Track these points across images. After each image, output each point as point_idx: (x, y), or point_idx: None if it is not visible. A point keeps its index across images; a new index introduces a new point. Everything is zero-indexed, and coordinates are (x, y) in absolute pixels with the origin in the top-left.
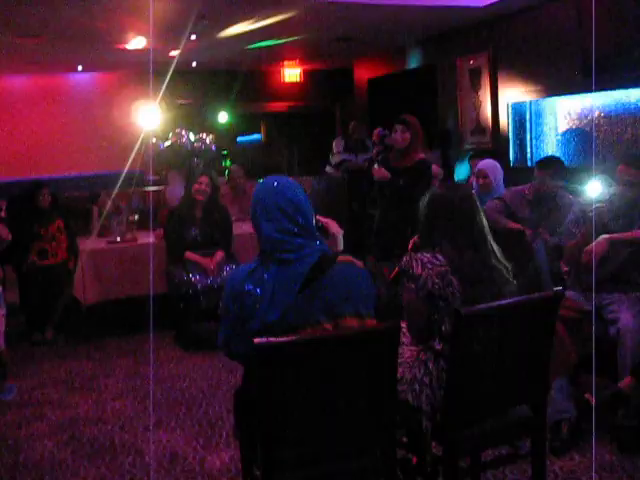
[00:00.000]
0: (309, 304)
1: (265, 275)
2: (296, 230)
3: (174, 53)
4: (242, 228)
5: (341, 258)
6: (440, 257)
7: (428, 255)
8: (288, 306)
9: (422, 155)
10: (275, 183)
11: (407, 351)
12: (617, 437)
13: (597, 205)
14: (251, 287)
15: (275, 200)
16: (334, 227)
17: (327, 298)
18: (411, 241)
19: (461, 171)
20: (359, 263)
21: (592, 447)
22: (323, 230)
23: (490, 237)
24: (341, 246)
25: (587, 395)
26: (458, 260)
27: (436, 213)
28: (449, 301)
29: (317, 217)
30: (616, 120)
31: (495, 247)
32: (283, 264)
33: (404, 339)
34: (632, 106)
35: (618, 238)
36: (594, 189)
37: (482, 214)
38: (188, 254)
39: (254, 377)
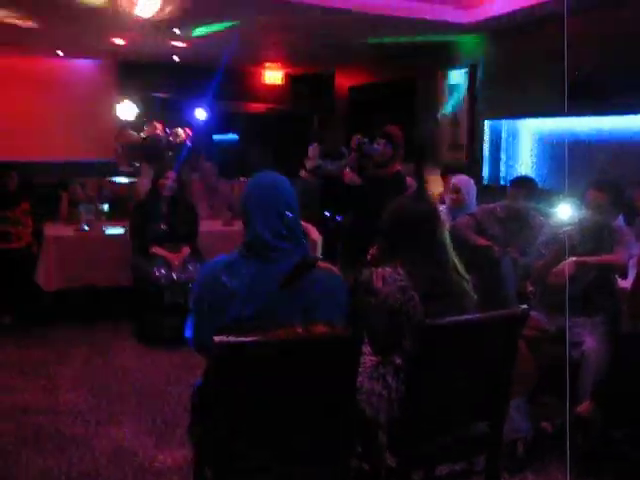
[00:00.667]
0: (284, 305)
1: (244, 270)
2: (286, 233)
3: (156, 45)
4: (211, 225)
5: (321, 264)
6: (401, 271)
7: (389, 269)
8: (263, 304)
9: (399, 167)
10: (274, 181)
11: (368, 360)
12: (574, 461)
13: (567, 228)
14: (227, 279)
15: (272, 200)
16: (314, 233)
17: (303, 301)
18: (369, 253)
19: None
20: (337, 272)
21: (547, 468)
22: (303, 235)
23: (451, 251)
24: (320, 252)
25: (544, 424)
26: (419, 274)
27: (398, 225)
28: (410, 316)
29: None
30: (589, 146)
31: (456, 260)
32: (266, 262)
33: (365, 347)
34: (605, 133)
35: (585, 261)
36: (564, 212)
37: (444, 227)
38: (154, 248)
39: (213, 374)
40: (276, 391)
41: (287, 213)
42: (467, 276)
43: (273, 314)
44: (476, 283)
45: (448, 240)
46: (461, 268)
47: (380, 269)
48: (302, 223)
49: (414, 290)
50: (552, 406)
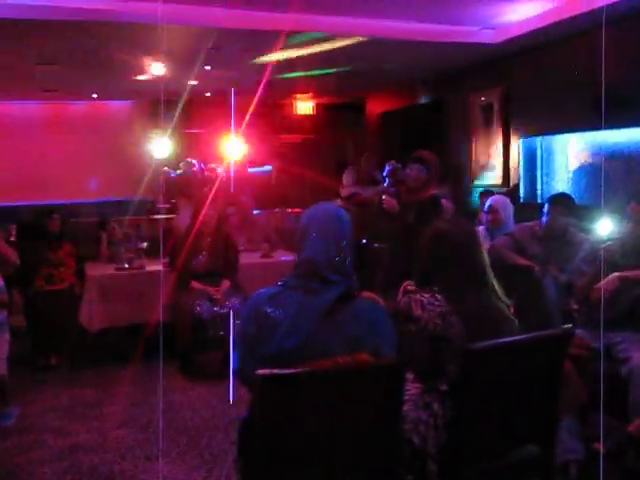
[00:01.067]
0: (329, 335)
1: (288, 300)
2: (338, 264)
3: (188, 83)
4: (249, 258)
5: (365, 294)
6: (439, 297)
7: (427, 295)
8: (308, 334)
9: (434, 191)
10: (334, 212)
11: (412, 388)
12: None
13: (608, 243)
14: (272, 309)
15: (333, 230)
16: None
17: (347, 332)
18: (402, 288)
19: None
20: (382, 302)
21: None
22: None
23: (491, 274)
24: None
25: (596, 445)
26: (458, 300)
27: (437, 249)
28: (451, 341)
29: None
30: (627, 158)
31: (496, 284)
32: (309, 292)
33: (409, 375)
34: None
35: (629, 276)
36: (604, 227)
37: (484, 250)
38: (194, 283)
39: (257, 407)
40: (320, 423)
41: (343, 243)
42: (508, 301)
43: (316, 345)
44: (518, 303)
45: (488, 263)
46: (501, 292)
47: (418, 295)
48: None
49: (454, 315)
50: (603, 426)
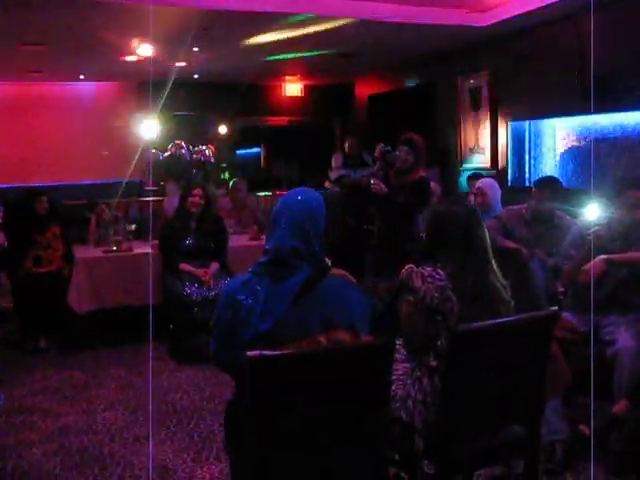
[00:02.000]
0: (302, 316)
1: (258, 286)
2: (305, 252)
3: (176, 65)
4: (238, 241)
5: (335, 271)
6: (441, 272)
7: (429, 269)
8: (280, 317)
9: (422, 173)
10: (305, 199)
11: (401, 368)
12: (611, 462)
13: (596, 228)
14: (244, 297)
15: (304, 219)
16: None
17: (320, 310)
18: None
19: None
20: (351, 279)
21: (587, 470)
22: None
23: (491, 255)
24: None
25: (582, 427)
26: (459, 277)
27: (439, 228)
28: (446, 317)
29: None
30: (614, 143)
31: (495, 266)
32: (276, 278)
33: (398, 355)
34: (630, 129)
35: (615, 259)
36: (592, 212)
37: (485, 230)
38: (182, 265)
39: (245, 390)
40: (309, 403)
41: (313, 232)
42: (504, 282)
43: (291, 327)
44: (509, 286)
45: (489, 243)
46: (499, 273)
47: (420, 268)
48: None
49: (452, 291)
50: (588, 407)
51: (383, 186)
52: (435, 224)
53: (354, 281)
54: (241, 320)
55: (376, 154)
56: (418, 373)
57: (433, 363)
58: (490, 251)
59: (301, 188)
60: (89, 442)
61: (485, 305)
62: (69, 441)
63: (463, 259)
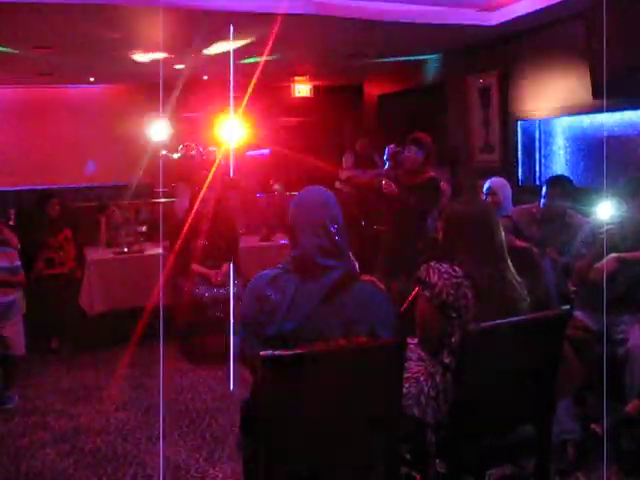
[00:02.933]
0: (327, 318)
1: (287, 284)
2: (331, 248)
3: (185, 66)
4: (248, 242)
5: (364, 277)
6: (457, 269)
7: (446, 265)
8: (305, 317)
9: (432, 173)
10: (319, 196)
11: (414, 367)
12: (623, 462)
13: (608, 227)
14: (271, 293)
15: (320, 216)
16: None
17: (345, 314)
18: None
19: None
20: (381, 285)
21: (599, 470)
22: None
23: (507, 253)
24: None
25: (593, 426)
26: (476, 274)
27: (457, 227)
28: (461, 313)
29: None
30: (626, 141)
31: (511, 264)
32: (309, 277)
33: (411, 354)
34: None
35: (628, 257)
36: (604, 210)
37: (501, 229)
38: (194, 266)
39: (260, 388)
40: (321, 402)
41: (332, 227)
42: (520, 279)
43: (314, 328)
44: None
45: (505, 241)
46: (514, 271)
47: (437, 264)
48: None
49: (469, 288)
50: (600, 407)
51: (394, 186)
52: (452, 222)
53: (382, 288)
54: (267, 315)
55: (386, 155)
56: (432, 369)
57: (447, 360)
58: (506, 249)
59: (312, 186)
60: (102, 442)
61: (501, 303)
62: (82, 441)
63: (480, 256)
